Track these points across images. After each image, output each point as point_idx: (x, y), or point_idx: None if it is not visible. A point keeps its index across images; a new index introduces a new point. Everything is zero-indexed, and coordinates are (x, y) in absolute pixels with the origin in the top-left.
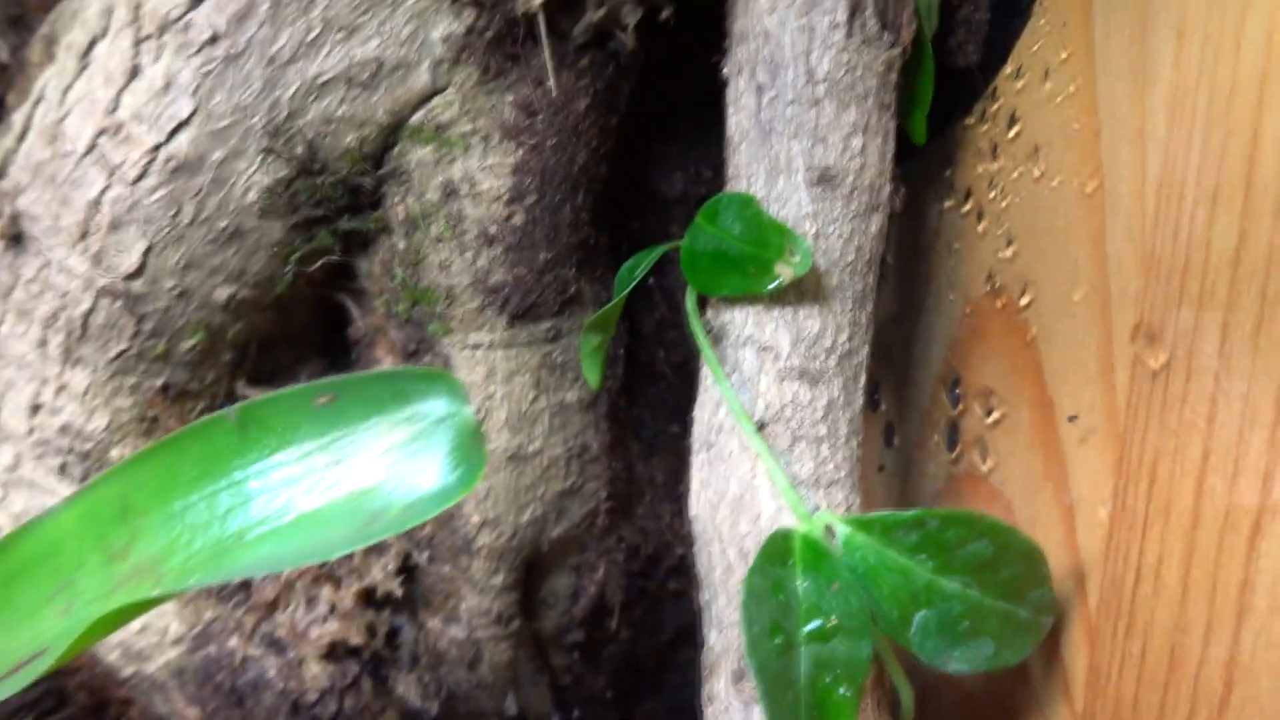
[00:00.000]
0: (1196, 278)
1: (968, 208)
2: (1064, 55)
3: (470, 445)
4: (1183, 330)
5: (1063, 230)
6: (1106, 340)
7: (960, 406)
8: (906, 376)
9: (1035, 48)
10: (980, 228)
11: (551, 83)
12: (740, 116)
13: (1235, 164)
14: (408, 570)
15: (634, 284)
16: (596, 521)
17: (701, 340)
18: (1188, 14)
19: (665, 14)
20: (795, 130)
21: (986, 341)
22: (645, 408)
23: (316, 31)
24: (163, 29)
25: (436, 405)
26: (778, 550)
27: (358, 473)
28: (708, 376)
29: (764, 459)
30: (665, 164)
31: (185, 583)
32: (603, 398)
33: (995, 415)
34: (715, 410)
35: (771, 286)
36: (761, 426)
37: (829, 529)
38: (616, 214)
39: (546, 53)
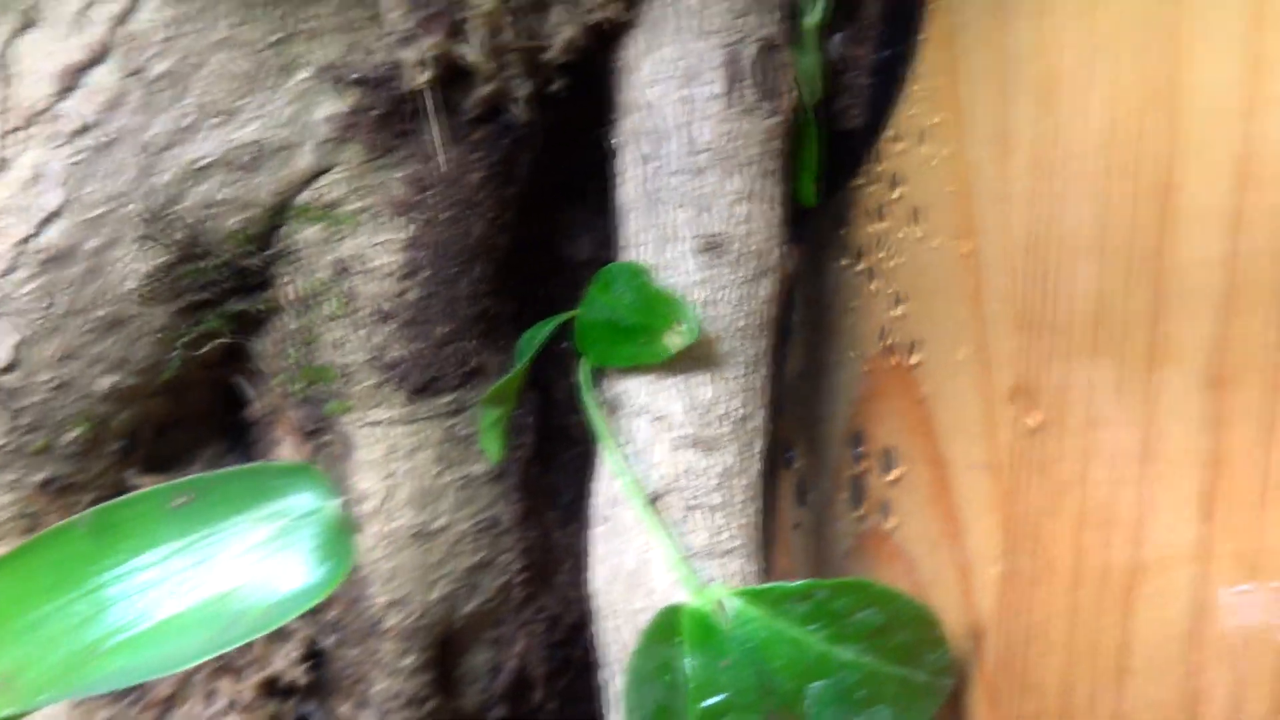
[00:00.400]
0: (1064, 337)
1: (860, 267)
2: (936, 120)
3: (336, 540)
4: (1055, 389)
5: (944, 290)
6: (989, 399)
7: (863, 464)
8: (816, 433)
9: (911, 112)
10: (873, 286)
11: (441, 158)
12: (628, 186)
13: (1090, 227)
14: (314, 655)
15: (534, 354)
16: (512, 594)
17: (593, 413)
18: (1042, 84)
19: (556, 85)
20: (681, 199)
21: (884, 399)
22: (560, 473)
23: (192, 118)
24: (30, 121)
25: (300, 500)
26: (664, 628)
27: (219, 575)
28: (604, 448)
29: (654, 532)
30: (572, 228)
31: (34, 700)
32: (513, 468)
33: (895, 473)
34: (611, 482)
35: (663, 356)
36: (656, 497)
37: (720, 603)
38: (521, 281)
39: (435, 129)
